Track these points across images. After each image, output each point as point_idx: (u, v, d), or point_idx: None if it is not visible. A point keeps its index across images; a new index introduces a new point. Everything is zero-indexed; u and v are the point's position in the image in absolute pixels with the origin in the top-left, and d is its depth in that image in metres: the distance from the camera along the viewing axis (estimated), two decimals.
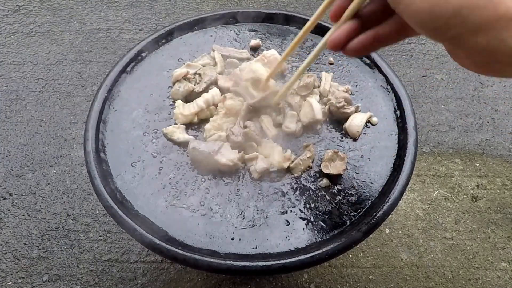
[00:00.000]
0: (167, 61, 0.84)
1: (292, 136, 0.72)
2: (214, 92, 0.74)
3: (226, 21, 0.91)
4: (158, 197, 0.65)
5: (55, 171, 1.23)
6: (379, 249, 1.09)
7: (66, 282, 1.03)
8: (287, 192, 0.66)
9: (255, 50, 0.87)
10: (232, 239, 0.61)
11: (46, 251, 1.08)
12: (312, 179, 0.68)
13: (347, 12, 0.44)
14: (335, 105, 0.73)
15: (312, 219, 0.63)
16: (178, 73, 0.77)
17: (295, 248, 0.60)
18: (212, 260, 0.57)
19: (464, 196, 1.20)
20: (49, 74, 1.48)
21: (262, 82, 0.68)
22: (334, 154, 0.68)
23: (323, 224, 0.63)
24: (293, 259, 0.57)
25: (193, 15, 1.11)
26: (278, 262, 0.57)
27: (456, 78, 1.51)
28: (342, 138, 0.73)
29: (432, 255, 1.09)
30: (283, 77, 0.81)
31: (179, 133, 0.71)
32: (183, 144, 0.70)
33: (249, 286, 1.02)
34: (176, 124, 0.73)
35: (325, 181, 0.67)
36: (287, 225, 0.63)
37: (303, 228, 0.62)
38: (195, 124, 0.74)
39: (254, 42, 0.86)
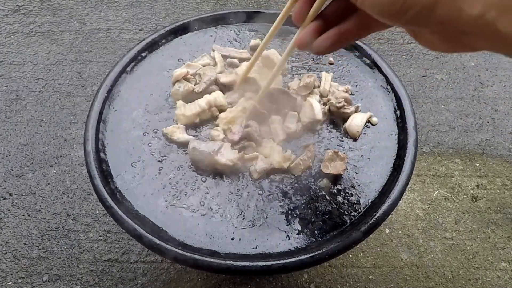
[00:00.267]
0: (167, 61, 0.84)
1: (293, 136, 0.72)
2: (216, 94, 0.74)
3: (226, 21, 0.91)
4: (158, 197, 0.65)
5: (55, 171, 1.23)
6: (379, 249, 1.09)
7: (66, 282, 1.03)
8: (287, 192, 0.66)
9: (255, 50, 0.86)
10: (232, 239, 0.61)
11: (46, 251, 1.08)
12: (312, 179, 0.68)
13: (311, 13, 0.47)
14: (335, 105, 0.73)
15: (312, 219, 0.63)
16: (178, 73, 0.77)
17: (295, 248, 0.60)
18: (212, 260, 0.57)
19: (464, 196, 1.20)
20: (49, 74, 1.48)
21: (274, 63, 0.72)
22: (334, 154, 0.68)
23: (323, 224, 0.63)
24: (293, 259, 0.57)
25: (193, 15, 1.11)
26: (278, 262, 0.57)
27: (456, 78, 1.51)
28: (342, 138, 0.73)
29: (432, 255, 1.09)
30: (284, 76, 0.81)
31: (179, 133, 0.71)
32: (183, 144, 0.70)
33: (249, 286, 1.02)
34: (176, 124, 0.73)
35: (325, 181, 0.67)
36: (287, 225, 0.63)
37: (303, 228, 0.62)
38: (195, 124, 0.74)
39: (254, 42, 0.86)
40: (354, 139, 0.73)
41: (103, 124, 0.73)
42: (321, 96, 0.77)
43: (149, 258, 1.06)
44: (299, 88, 0.75)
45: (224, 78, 0.76)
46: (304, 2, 0.48)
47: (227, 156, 0.66)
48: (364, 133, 0.74)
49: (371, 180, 0.68)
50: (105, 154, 0.70)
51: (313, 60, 0.85)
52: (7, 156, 1.26)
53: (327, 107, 0.74)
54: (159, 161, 0.69)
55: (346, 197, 0.66)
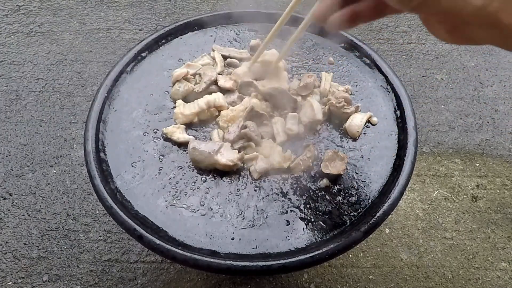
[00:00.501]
0: (167, 61, 0.84)
1: (296, 138, 0.71)
2: (216, 95, 0.74)
3: (226, 21, 0.91)
4: (158, 197, 0.65)
5: (55, 171, 1.23)
6: (379, 249, 1.09)
7: (66, 282, 1.03)
8: (287, 192, 0.66)
9: (255, 50, 0.86)
10: (232, 239, 0.61)
11: (46, 251, 1.08)
12: (312, 179, 0.68)
13: None
14: (335, 105, 0.73)
15: (312, 219, 0.63)
16: (178, 73, 0.77)
17: (295, 248, 0.60)
18: (212, 260, 0.57)
19: (464, 196, 1.20)
20: (49, 74, 1.48)
21: (272, 63, 0.75)
22: (334, 154, 0.68)
23: (323, 224, 0.63)
24: (293, 259, 0.57)
25: (193, 15, 1.11)
26: (278, 262, 0.57)
27: (456, 78, 1.51)
28: (342, 138, 0.73)
29: (432, 255, 1.09)
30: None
31: (179, 133, 0.71)
32: (183, 144, 0.70)
33: (249, 286, 1.02)
34: (176, 124, 0.73)
35: (325, 181, 0.67)
36: (287, 225, 0.63)
37: (303, 228, 0.62)
38: (195, 124, 0.74)
39: (254, 42, 0.86)
40: (354, 139, 0.73)
41: (103, 124, 0.73)
42: (321, 96, 0.77)
43: (149, 258, 1.06)
44: (299, 88, 0.75)
45: (223, 83, 0.76)
46: None
47: (227, 156, 0.66)
48: (364, 133, 0.74)
49: (371, 180, 0.68)
50: (105, 154, 0.70)
51: (313, 60, 0.85)
52: (7, 156, 1.26)
53: (327, 107, 0.74)
54: (159, 161, 0.69)
55: (346, 197, 0.66)
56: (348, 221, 0.63)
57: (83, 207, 1.15)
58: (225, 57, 0.83)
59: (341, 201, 0.65)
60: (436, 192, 1.21)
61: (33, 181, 1.21)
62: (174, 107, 0.75)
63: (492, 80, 1.50)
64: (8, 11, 1.72)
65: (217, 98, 0.73)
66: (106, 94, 0.76)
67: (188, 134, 0.72)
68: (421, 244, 1.10)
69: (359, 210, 0.64)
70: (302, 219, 0.63)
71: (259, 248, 0.60)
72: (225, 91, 0.76)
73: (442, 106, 1.43)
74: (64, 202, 1.16)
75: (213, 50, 0.84)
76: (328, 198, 0.66)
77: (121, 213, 0.60)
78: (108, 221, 1.12)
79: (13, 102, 1.40)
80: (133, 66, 0.82)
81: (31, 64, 1.52)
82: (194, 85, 0.77)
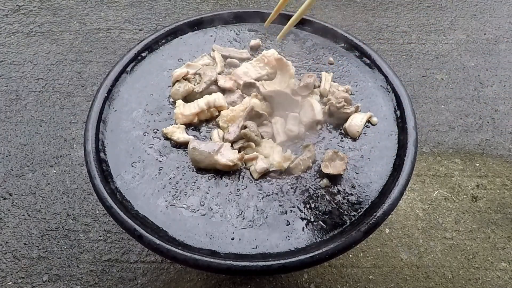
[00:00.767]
0: (167, 61, 0.84)
1: (296, 138, 0.71)
2: (216, 95, 0.74)
3: (226, 21, 0.91)
4: (158, 197, 0.65)
5: (55, 171, 1.23)
6: (379, 249, 1.09)
7: (66, 282, 1.03)
8: (287, 192, 0.66)
9: (255, 50, 0.86)
10: (232, 239, 0.61)
11: (46, 251, 1.08)
12: (312, 179, 0.68)
13: None
14: (335, 105, 0.73)
15: (312, 219, 0.63)
16: (178, 73, 0.77)
17: (295, 248, 0.60)
18: (212, 260, 0.57)
19: (464, 196, 1.20)
20: (49, 74, 1.48)
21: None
22: (334, 154, 0.68)
23: (323, 224, 0.63)
24: (293, 259, 0.57)
25: (193, 15, 1.12)
26: (278, 262, 0.57)
27: (456, 78, 1.51)
28: (342, 138, 0.73)
29: (432, 255, 1.09)
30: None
31: (179, 133, 0.71)
32: (183, 144, 0.70)
33: (249, 286, 1.02)
34: (176, 124, 0.73)
35: (325, 181, 0.67)
36: (287, 225, 0.63)
37: (303, 228, 0.62)
38: (195, 124, 0.74)
39: (254, 42, 0.86)
40: (354, 139, 0.73)
41: (103, 124, 0.73)
42: (321, 96, 0.77)
43: (149, 258, 1.06)
44: (299, 88, 0.75)
45: (223, 83, 0.76)
46: None
47: (227, 156, 0.66)
48: (364, 133, 0.74)
49: (371, 180, 0.68)
50: (105, 154, 0.70)
51: (313, 60, 0.85)
52: (7, 156, 1.26)
53: (327, 107, 0.74)
54: (159, 161, 0.69)
55: (346, 197, 0.66)
56: (348, 221, 0.63)
57: (83, 207, 1.15)
58: (225, 57, 0.83)
59: (341, 201, 0.65)
60: (436, 192, 1.21)
61: (33, 181, 1.21)
62: (174, 107, 0.75)
63: (492, 80, 1.50)
64: (8, 11, 1.72)
65: (217, 98, 0.73)
66: (106, 94, 0.76)
67: (188, 134, 0.72)
68: (421, 244, 1.10)
69: (359, 210, 0.64)
70: (302, 219, 0.63)
71: (259, 248, 0.60)
72: (225, 91, 0.76)
73: (442, 106, 1.43)
74: (64, 202, 1.16)
75: (213, 50, 0.84)
76: (328, 198, 0.66)
77: (121, 213, 0.60)
78: (108, 221, 1.12)
79: (13, 102, 1.40)
80: (133, 66, 0.82)
81: (31, 64, 1.52)
82: (194, 85, 0.77)
